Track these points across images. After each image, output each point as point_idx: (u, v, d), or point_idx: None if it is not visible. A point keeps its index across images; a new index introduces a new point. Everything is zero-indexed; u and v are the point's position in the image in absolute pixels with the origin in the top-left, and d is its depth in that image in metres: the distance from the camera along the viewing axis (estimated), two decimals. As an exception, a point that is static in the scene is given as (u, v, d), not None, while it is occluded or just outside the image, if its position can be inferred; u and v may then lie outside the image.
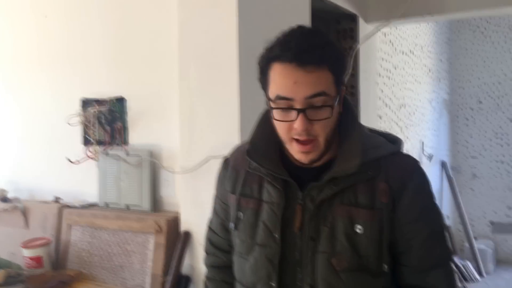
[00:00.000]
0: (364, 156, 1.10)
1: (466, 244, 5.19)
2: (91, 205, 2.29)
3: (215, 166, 1.87)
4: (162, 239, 1.97)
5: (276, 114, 1.07)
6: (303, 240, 1.12)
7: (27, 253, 2.12)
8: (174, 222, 2.00)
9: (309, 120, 1.04)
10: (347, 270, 1.10)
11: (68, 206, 2.29)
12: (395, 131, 3.89)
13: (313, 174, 1.13)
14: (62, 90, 2.43)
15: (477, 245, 5.14)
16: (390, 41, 3.93)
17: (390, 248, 1.13)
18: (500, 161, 5.51)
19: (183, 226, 2.00)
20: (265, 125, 1.19)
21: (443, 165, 5.36)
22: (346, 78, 1.16)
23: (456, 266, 4.67)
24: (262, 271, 1.15)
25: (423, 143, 4.76)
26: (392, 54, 3.98)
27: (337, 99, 1.07)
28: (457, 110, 5.74)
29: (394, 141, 1.18)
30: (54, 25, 2.47)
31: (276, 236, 1.13)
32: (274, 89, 1.05)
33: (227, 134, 1.85)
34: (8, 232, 2.40)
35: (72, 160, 2.33)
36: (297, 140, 1.07)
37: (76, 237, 2.20)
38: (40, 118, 2.53)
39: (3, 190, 2.50)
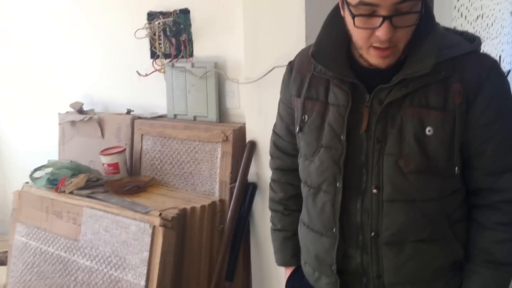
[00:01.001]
0: (438, 56, 1.05)
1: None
2: (161, 116, 2.38)
3: (280, 76, 1.86)
4: (229, 148, 2.03)
5: (357, 20, 1.00)
6: (369, 142, 1.11)
7: (105, 160, 2.28)
8: (240, 131, 2.05)
9: (393, 28, 0.98)
10: (414, 172, 1.09)
11: (140, 117, 2.39)
12: (470, 44, 3.63)
13: (382, 75, 1.09)
14: (129, 3, 2.45)
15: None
16: None
17: (462, 150, 1.11)
18: None
19: (249, 136, 2.04)
20: (332, 25, 1.15)
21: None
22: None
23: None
24: (328, 172, 1.16)
25: (500, 57, 4.45)
26: (472, -42, 3.64)
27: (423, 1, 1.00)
28: (541, 22, 5.25)
29: (471, 40, 1.11)
30: None
31: (342, 138, 1.13)
32: None
33: (292, 42, 1.81)
34: (86, 141, 2.57)
35: (141, 73, 2.41)
36: (376, 47, 1.03)
37: (148, 146, 2.32)
38: (110, 32, 2.60)
39: (79, 103, 2.65)
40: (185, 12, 2.23)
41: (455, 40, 1.10)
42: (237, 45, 2.05)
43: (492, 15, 4.22)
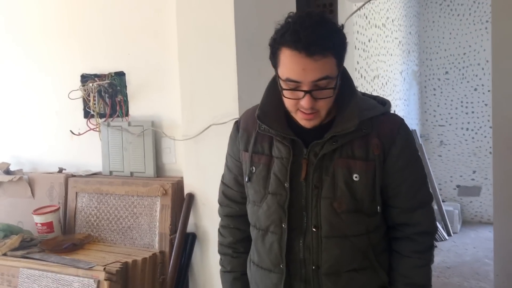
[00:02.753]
0: (360, 116, 1.30)
1: (435, 207, 5.53)
2: (95, 174, 2.44)
3: (216, 133, 2.06)
4: (168, 201, 2.15)
5: (285, 92, 1.25)
6: (308, 188, 1.32)
7: (39, 219, 2.27)
8: (178, 185, 2.18)
9: (314, 99, 1.23)
10: (346, 212, 1.31)
11: (74, 175, 2.43)
12: (370, 101, 4.10)
13: (316, 133, 1.32)
14: (62, 65, 2.54)
15: (445, 207, 5.48)
16: (365, 15, 4.13)
17: (382, 192, 1.35)
18: (465, 128, 5.85)
19: (187, 189, 2.18)
20: (273, 91, 1.37)
21: (413, 133, 5.65)
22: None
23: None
24: (274, 215, 1.35)
25: (394, 112, 5.01)
26: (367, 28, 4.18)
27: (338, 77, 1.26)
28: (425, 81, 6.03)
29: (383, 103, 1.39)
30: (54, 0, 2.56)
31: (286, 185, 1.33)
32: (284, 72, 1.23)
33: (227, 102, 2.02)
34: (14, 202, 2.53)
35: (74, 132, 2.47)
36: (302, 111, 1.26)
37: (83, 203, 2.36)
38: (42, 92, 2.64)
39: (6, 163, 2.62)
40: (121, 75, 2.37)
41: (371, 104, 1.37)
42: (173, 105, 2.21)
43: (386, 75, 4.80)
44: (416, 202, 1.36)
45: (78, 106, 2.49)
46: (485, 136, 5.64)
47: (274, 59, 1.26)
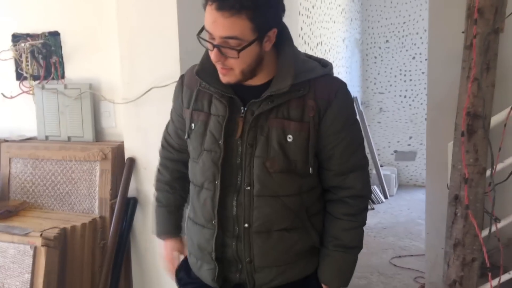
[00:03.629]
0: (296, 78, 1.31)
1: (373, 171, 5.76)
2: (30, 139, 2.34)
3: (157, 96, 2.03)
4: (107, 165, 2.10)
5: (202, 41, 1.25)
6: (243, 147, 1.33)
7: (-31, 186, 2.17)
8: (118, 149, 2.13)
9: (222, 55, 1.23)
10: (278, 172, 1.33)
11: (7, 140, 2.32)
12: (313, 67, 4.15)
13: (254, 92, 1.33)
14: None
15: (382, 171, 5.71)
16: (309, -19, 4.13)
17: (317, 155, 1.37)
18: (403, 96, 6.06)
19: (128, 153, 2.14)
20: None
21: (355, 100, 5.79)
22: (282, 15, 1.33)
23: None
24: (209, 172, 1.36)
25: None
26: (311, -7, 4.19)
27: (263, 42, 1.24)
28: (367, 49, 6.16)
29: (325, 65, 1.40)
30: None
31: (220, 143, 1.34)
32: (205, 20, 1.22)
33: (168, 64, 1.98)
34: None
35: (6, 95, 2.34)
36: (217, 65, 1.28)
37: (18, 169, 2.27)
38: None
39: None
40: (55, 35, 2.25)
41: (312, 65, 1.38)
42: (111, 67, 2.14)
43: (329, 42, 4.86)
44: (350, 166, 1.39)
45: (10, 68, 2.35)
46: (421, 103, 5.87)
47: (204, 8, 1.24)
